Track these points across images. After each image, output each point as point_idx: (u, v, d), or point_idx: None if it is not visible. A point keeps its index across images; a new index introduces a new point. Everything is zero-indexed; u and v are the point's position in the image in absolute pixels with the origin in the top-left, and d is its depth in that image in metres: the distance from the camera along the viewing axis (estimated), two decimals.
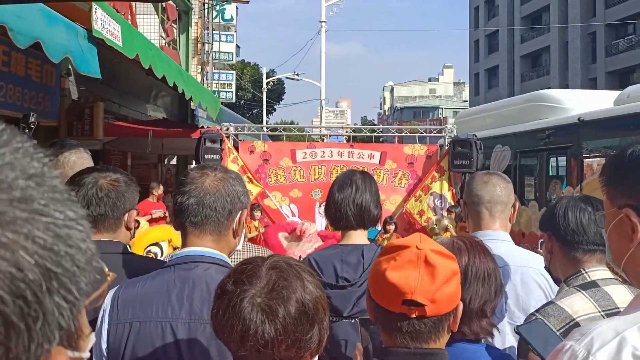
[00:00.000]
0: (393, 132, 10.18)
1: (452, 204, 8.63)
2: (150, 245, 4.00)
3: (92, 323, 1.42)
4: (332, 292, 2.05)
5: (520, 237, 8.56)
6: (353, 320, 2.04)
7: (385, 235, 8.23)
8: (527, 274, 1.93)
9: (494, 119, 10.14)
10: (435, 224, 8.22)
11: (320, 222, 9.06)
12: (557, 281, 1.76)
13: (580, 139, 7.61)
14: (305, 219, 9.07)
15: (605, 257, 1.55)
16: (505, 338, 1.89)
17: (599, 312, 1.47)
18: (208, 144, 8.53)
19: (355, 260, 2.09)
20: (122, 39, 4.39)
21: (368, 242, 2.17)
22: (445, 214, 8.47)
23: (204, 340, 1.32)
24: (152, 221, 9.17)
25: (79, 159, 2.22)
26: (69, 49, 3.79)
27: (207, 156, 8.57)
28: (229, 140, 9.00)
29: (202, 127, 9.65)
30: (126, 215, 1.78)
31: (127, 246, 1.81)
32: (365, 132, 9.60)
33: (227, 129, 9.19)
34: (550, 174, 8.54)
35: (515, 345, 1.90)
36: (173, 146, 12.22)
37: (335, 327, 2.08)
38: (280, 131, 9.68)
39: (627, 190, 1.02)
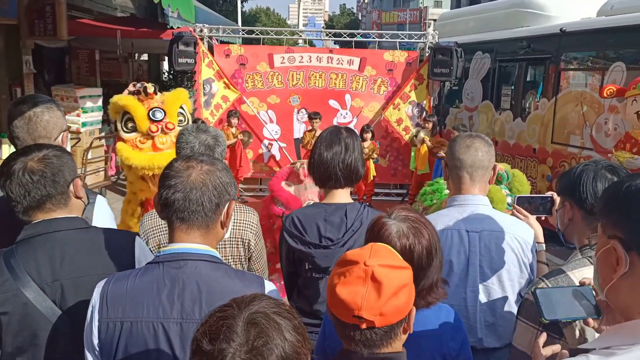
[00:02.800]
0: (373, 37, 9.86)
1: (429, 113, 8.67)
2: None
3: (83, 317, 1.46)
4: (316, 251, 2.12)
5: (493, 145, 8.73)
6: None
7: (363, 144, 8.31)
8: (502, 238, 2.02)
9: (477, 23, 9.86)
10: (415, 136, 8.30)
11: (299, 128, 9.06)
12: (569, 247, 1.76)
13: (560, 50, 7.52)
14: (283, 125, 9.07)
15: None
16: (477, 297, 2.03)
17: None
18: (181, 47, 8.18)
19: (339, 220, 2.13)
20: None
21: (352, 201, 2.21)
22: (421, 123, 8.52)
23: None
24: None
25: (51, 118, 2.13)
26: None
27: (180, 60, 8.26)
28: (204, 43, 8.63)
29: (173, 27, 9.15)
30: (71, 186, 1.74)
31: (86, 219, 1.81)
32: (345, 37, 9.27)
33: (201, 31, 8.78)
34: (527, 84, 8.53)
35: (485, 301, 2.06)
36: (144, 45, 11.67)
37: (319, 283, 2.19)
38: (257, 34, 9.29)
39: (618, 223, 1.05)
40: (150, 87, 3.54)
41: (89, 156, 8.69)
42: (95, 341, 1.39)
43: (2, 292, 1.57)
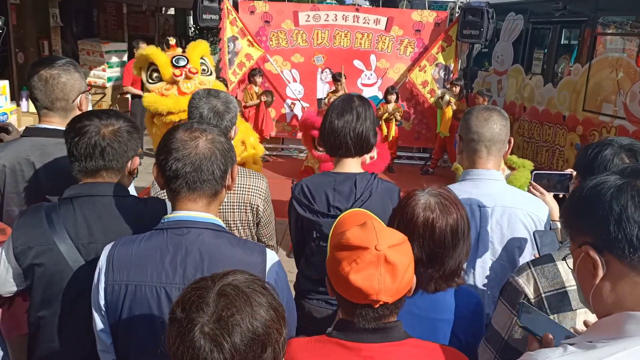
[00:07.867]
0: None
1: (455, 76, 8.44)
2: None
3: (90, 279, 1.50)
4: (324, 220, 2.12)
5: (521, 111, 8.53)
6: None
7: (388, 106, 8.18)
8: (514, 214, 1.98)
9: None
10: (441, 98, 8.13)
11: (322, 88, 8.96)
12: None
13: (597, 13, 7.18)
14: (306, 84, 8.98)
15: None
16: (486, 273, 2.01)
17: None
18: (206, 3, 8.09)
19: (348, 190, 2.11)
20: None
21: (362, 171, 2.19)
22: (448, 86, 8.33)
23: None
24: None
25: (69, 80, 2.11)
26: None
27: (205, 16, 8.17)
28: None
29: None
30: (129, 163, 1.78)
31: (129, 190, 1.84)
32: None
33: None
34: (561, 47, 8.20)
35: (494, 278, 2.04)
36: None
37: (326, 252, 2.19)
38: None
39: (583, 228, 1.03)
40: (172, 40, 3.73)
41: None
42: (102, 302, 1.44)
43: (40, 244, 1.62)
